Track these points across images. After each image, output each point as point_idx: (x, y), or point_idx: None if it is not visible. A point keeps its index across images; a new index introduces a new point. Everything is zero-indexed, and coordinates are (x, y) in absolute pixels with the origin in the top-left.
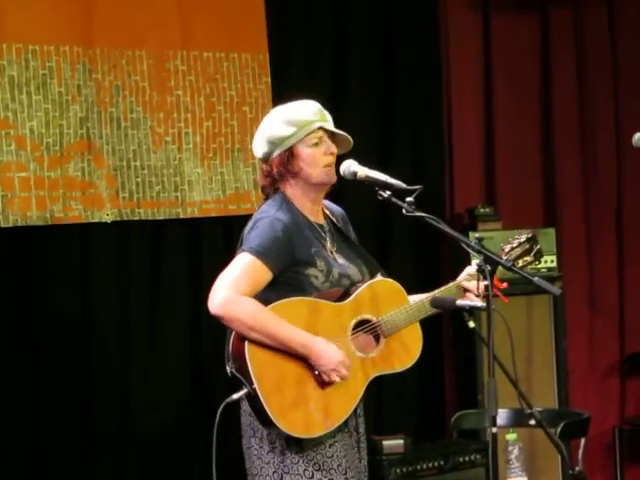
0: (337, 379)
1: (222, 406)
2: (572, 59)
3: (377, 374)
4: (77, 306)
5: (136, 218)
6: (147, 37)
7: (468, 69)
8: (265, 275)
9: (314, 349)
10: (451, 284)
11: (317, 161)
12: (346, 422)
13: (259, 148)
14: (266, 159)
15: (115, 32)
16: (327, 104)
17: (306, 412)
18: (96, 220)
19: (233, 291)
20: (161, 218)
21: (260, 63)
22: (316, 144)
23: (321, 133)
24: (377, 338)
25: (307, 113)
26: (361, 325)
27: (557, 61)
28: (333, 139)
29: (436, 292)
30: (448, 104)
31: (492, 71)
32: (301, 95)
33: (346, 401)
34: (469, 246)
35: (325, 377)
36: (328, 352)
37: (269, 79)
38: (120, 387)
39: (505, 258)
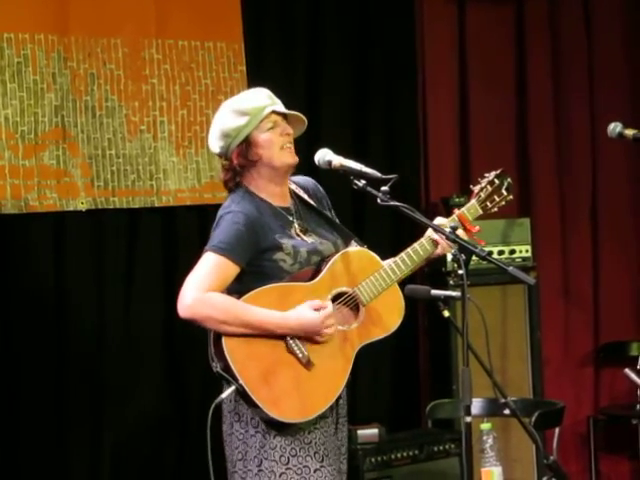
0: (331, 331)
1: (212, 407)
2: (547, 51)
3: (363, 343)
4: (52, 294)
5: (111, 207)
6: (122, 26)
7: (443, 60)
8: (231, 270)
9: (291, 324)
10: (422, 239)
11: (275, 143)
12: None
13: (215, 144)
14: (224, 153)
15: (90, 20)
16: (302, 93)
17: (298, 396)
18: (71, 209)
19: (198, 291)
20: (136, 207)
21: (235, 52)
22: (271, 128)
23: (274, 117)
24: (357, 308)
25: (257, 100)
26: (338, 298)
27: (532, 53)
28: (287, 122)
29: (409, 249)
30: (423, 95)
31: (467, 62)
32: (276, 84)
33: (335, 378)
34: (444, 235)
35: (319, 339)
36: (306, 318)
37: (244, 68)
38: (94, 374)
39: (475, 199)
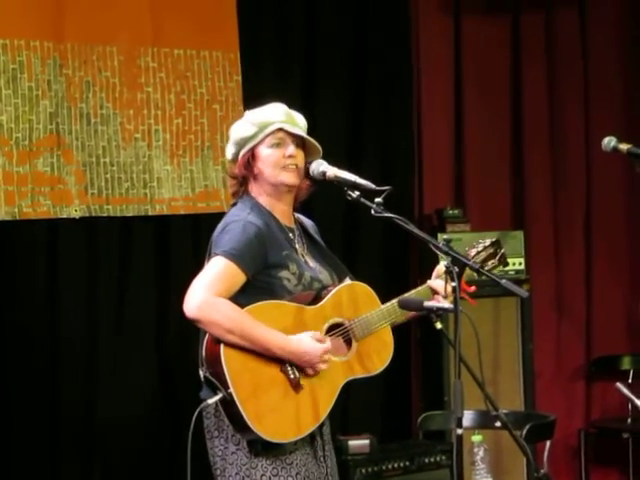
0: (324, 367)
1: (197, 412)
2: (543, 63)
3: (350, 378)
4: (44, 301)
5: (104, 214)
6: (118, 33)
7: (439, 72)
8: (240, 278)
9: (293, 349)
10: (420, 287)
11: (274, 162)
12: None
13: (229, 150)
14: (234, 161)
15: (86, 28)
16: (298, 104)
17: (281, 417)
18: (64, 216)
19: (209, 294)
20: (130, 215)
21: (231, 61)
22: (276, 145)
23: (282, 134)
24: (349, 342)
25: (271, 114)
26: (333, 329)
27: (528, 65)
28: (302, 145)
29: (406, 295)
30: (418, 106)
31: (462, 74)
32: (271, 94)
33: (320, 406)
34: (437, 247)
35: (310, 371)
36: (307, 347)
37: (240, 77)
38: (87, 382)
39: (471, 262)
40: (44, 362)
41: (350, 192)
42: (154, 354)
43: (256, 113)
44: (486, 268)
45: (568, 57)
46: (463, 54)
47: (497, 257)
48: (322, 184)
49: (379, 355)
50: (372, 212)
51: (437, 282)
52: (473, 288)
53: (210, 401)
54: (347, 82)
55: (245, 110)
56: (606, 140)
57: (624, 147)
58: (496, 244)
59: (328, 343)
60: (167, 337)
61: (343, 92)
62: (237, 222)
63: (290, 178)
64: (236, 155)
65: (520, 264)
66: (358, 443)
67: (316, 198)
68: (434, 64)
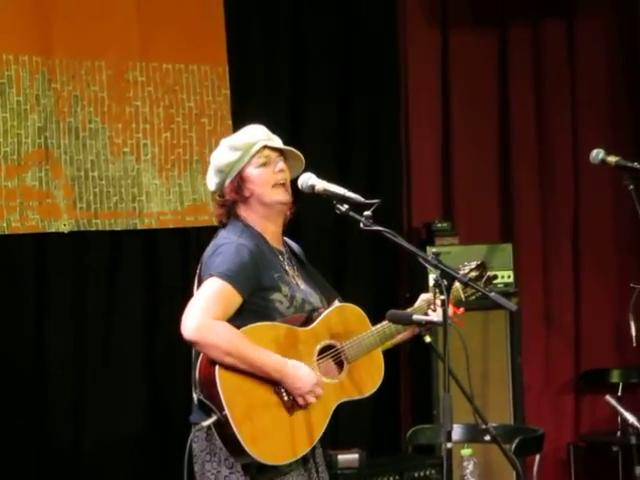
0: (313, 400)
1: (192, 434)
2: (530, 76)
3: (342, 400)
4: (32, 315)
5: (93, 228)
6: (106, 48)
7: (426, 85)
8: (236, 300)
9: (289, 373)
10: (416, 304)
11: (267, 180)
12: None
13: (211, 181)
14: (219, 190)
15: (74, 42)
16: (285, 118)
17: (275, 439)
18: (53, 230)
19: (207, 316)
20: (118, 229)
21: (219, 75)
22: (264, 164)
23: (267, 152)
24: (340, 364)
25: (251, 135)
26: (325, 350)
27: (515, 78)
28: (284, 159)
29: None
30: (406, 119)
31: (450, 87)
32: (259, 108)
33: (313, 428)
34: (426, 261)
35: (300, 400)
36: (302, 375)
37: (228, 91)
38: (75, 397)
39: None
40: (31, 376)
41: (339, 205)
42: (143, 367)
43: (236, 138)
44: (470, 292)
45: (555, 70)
46: (451, 67)
47: (483, 279)
48: (310, 197)
49: (370, 377)
50: (361, 225)
51: (429, 296)
52: (462, 310)
53: (205, 423)
54: (335, 96)
55: (233, 124)
56: (594, 152)
57: (612, 159)
58: (482, 266)
59: (321, 377)
60: (156, 351)
61: (331, 105)
62: (229, 244)
63: (283, 195)
64: (221, 184)
65: (509, 277)
66: (347, 457)
67: (305, 212)
68: (422, 77)
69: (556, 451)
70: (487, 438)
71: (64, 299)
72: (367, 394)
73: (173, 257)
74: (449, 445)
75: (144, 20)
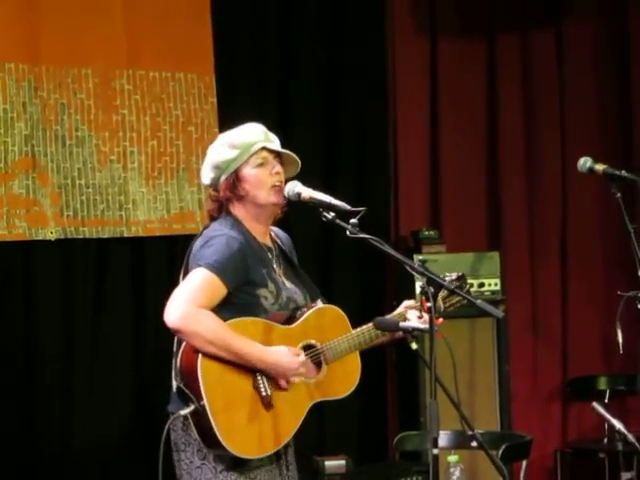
0: (298, 380)
1: (169, 422)
2: (518, 84)
3: (317, 400)
4: (20, 323)
5: (80, 236)
6: (93, 56)
7: (415, 93)
8: (221, 291)
9: (270, 359)
10: (395, 312)
11: (263, 182)
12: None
13: (206, 175)
14: (214, 185)
15: (61, 50)
16: (273, 126)
17: (249, 434)
18: (40, 238)
19: (191, 305)
20: (105, 237)
21: (206, 84)
22: (261, 164)
23: (265, 153)
24: (319, 364)
25: (250, 135)
26: (306, 350)
27: (503, 86)
28: (280, 161)
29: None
30: (394, 127)
31: (438, 96)
32: (247, 116)
33: (287, 425)
34: (413, 268)
35: (283, 383)
36: (283, 358)
37: (215, 100)
38: (62, 406)
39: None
40: (20, 383)
41: (325, 213)
42: (131, 375)
43: (234, 135)
44: (450, 303)
45: (544, 79)
46: (439, 75)
47: (463, 291)
48: (297, 205)
49: (348, 378)
50: (347, 233)
51: (411, 302)
52: (441, 321)
53: (182, 412)
54: (322, 103)
55: (220, 132)
56: (582, 161)
57: (600, 168)
58: (461, 279)
59: (303, 357)
60: (143, 358)
61: (318, 113)
62: (220, 236)
63: (277, 197)
64: (216, 180)
65: (496, 285)
66: (334, 464)
67: (291, 219)
68: (410, 85)
69: (543, 458)
70: (474, 444)
71: (52, 307)
72: (343, 395)
73: (160, 265)
74: (436, 452)
75: (131, 28)
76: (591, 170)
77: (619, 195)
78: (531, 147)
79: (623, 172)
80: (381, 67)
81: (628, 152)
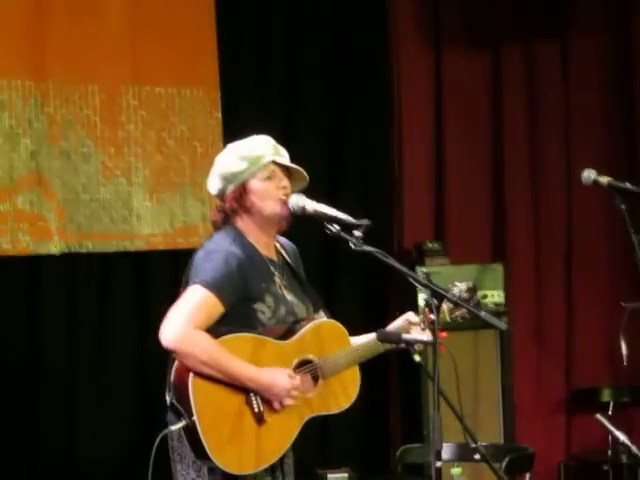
0: (291, 402)
1: (159, 437)
2: (523, 96)
3: (312, 415)
4: (24, 337)
5: (84, 251)
6: (99, 72)
7: (419, 105)
8: (218, 309)
9: (264, 382)
10: (397, 322)
11: (270, 195)
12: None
13: (214, 185)
14: (221, 195)
15: (67, 67)
16: (277, 139)
17: (241, 449)
18: (44, 252)
19: (187, 326)
20: (109, 251)
21: (211, 99)
22: (269, 178)
23: (273, 167)
24: (316, 379)
25: (260, 148)
26: (303, 365)
27: (508, 98)
28: (288, 175)
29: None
30: (399, 139)
31: (443, 107)
32: (251, 131)
33: (280, 440)
34: (417, 281)
35: (277, 405)
36: (278, 380)
37: (220, 115)
38: (67, 418)
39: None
40: (25, 397)
41: (330, 226)
42: (134, 389)
43: (244, 147)
44: (456, 314)
45: (549, 90)
46: (444, 86)
47: (472, 303)
48: (301, 218)
49: (345, 392)
50: (351, 246)
51: (411, 315)
52: (445, 334)
53: (173, 428)
54: (327, 115)
55: (224, 147)
56: (586, 173)
57: (604, 180)
58: (472, 290)
59: (298, 380)
60: (146, 373)
61: (323, 126)
62: (219, 252)
63: (284, 209)
64: (223, 190)
65: (499, 296)
66: (337, 476)
67: (295, 232)
68: (415, 96)
69: (547, 470)
70: (477, 457)
71: (56, 321)
72: (340, 410)
73: (164, 279)
74: (439, 464)
75: (136, 44)
76: (596, 183)
77: (623, 207)
78: (536, 158)
79: (627, 184)
80: (386, 79)
81: (633, 162)
